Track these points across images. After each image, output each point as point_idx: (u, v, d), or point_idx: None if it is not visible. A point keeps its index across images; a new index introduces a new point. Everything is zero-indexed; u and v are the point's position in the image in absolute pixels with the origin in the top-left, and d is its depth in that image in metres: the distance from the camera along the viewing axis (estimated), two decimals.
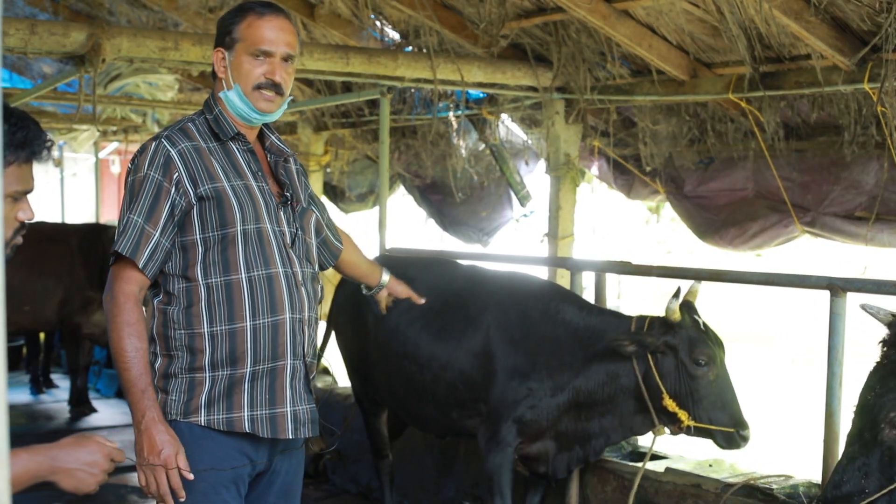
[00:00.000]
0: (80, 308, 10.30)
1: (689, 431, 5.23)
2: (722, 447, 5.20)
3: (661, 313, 5.27)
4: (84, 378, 10.91)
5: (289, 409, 3.55)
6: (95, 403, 11.03)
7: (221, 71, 3.59)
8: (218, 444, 3.48)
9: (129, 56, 6.14)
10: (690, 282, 5.45)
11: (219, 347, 3.46)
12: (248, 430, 3.48)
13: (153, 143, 3.50)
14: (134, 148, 14.14)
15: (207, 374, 3.46)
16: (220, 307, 3.46)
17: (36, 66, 11.78)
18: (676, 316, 5.19)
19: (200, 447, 3.45)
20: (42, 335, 12.14)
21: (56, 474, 2.71)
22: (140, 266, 3.41)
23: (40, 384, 12.12)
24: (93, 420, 10.56)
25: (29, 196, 2.81)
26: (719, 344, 5.24)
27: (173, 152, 3.46)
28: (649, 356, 5.20)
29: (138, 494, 7.60)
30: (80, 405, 10.80)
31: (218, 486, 3.47)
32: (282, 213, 3.60)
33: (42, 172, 15.01)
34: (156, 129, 11.94)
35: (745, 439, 5.14)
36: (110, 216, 14.76)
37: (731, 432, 5.12)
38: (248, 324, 3.46)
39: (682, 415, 5.17)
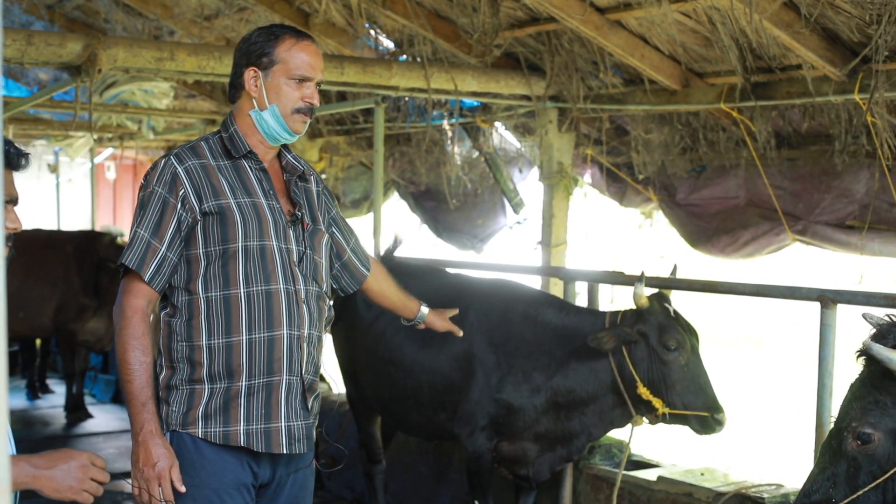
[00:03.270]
0: (75, 315, 10.31)
1: (665, 419, 5.30)
2: (697, 432, 5.27)
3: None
4: (80, 384, 10.93)
5: (283, 424, 3.60)
6: (91, 409, 11.05)
7: (254, 90, 3.67)
8: (219, 454, 3.55)
9: (124, 66, 6.17)
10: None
11: (216, 360, 3.53)
12: (243, 444, 3.54)
13: (162, 161, 3.61)
14: (129, 154, 14.17)
15: (206, 387, 3.54)
16: (218, 320, 3.54)
17: (32, 72, 11.79)
18: (643, 301, 5.29)
19: (203, 457, 3.53)
20: (38, 341, 12.15)
21: (37, 480, 2.74)
22: (146, 279, 3.51)
23: (36, 389, 12.14)
24: (89, 426, 10.56)
25: (15, 207, 2.86)
26: (690, 330, 5.32)
27: (180, 169, 3.56)
28: (623, 347, 5.28)
29: (134, 501, 7.61)
30: (76, 411, 10.81)
31: (222, 493, 3.54)
32: (290, 232, 3.67)
33: (37, 178, 14.98)
34: (151, 137, 11.97)
35: (719, 423, 5.20)
36: (105, 221, 14.78)
37: (706, 416, 5.18)
38: (245, 337, 3.53)
39: (657, 402, 5.24)
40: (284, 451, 3.62)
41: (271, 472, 3.67)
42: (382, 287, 4.26)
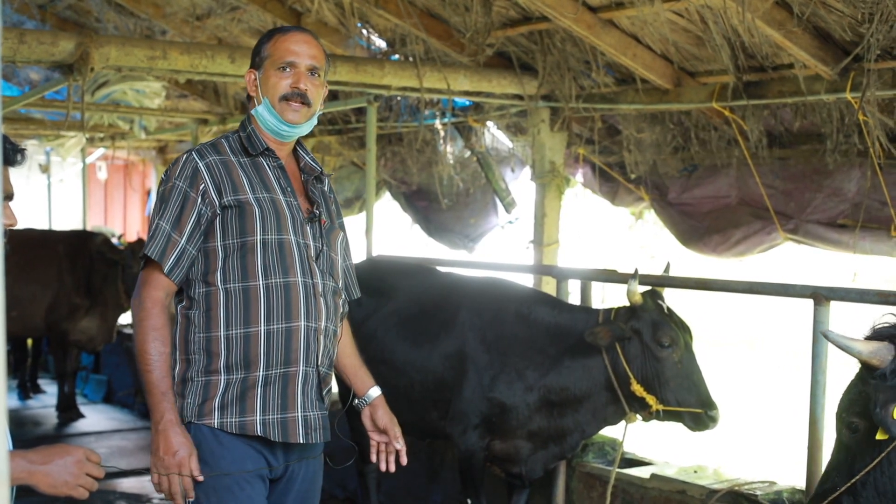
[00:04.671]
0: (67, 314, 10.30)
1: (658, 416, 5.32)
2: (691, 429, 5.28)
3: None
4: (71, 384, 10.91)
5: (300, 414, 3.65)
6: (83, 409, 11.04)
7: (252, 89, 3.77)
8: (234, 444, 3.59)
9: (117, 65, 6.17)
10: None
11: (234, 350, 3.58)
12: (259, 434, 3.59)
13: (184, 156, 3.68)
14: (121, 154, 14.15)
15: (222, 377, 3.59)
16: (236, 311, 3.59)
17: (23, 72, 11.77)
18: (637, 298, 5.30)
19: (222, 446, 3.58)
20: (29, 341, 12.14)
21: (33, 476, 2.75)
22: (165, 271, 3.57)
23: (27, 389, 12.12)
24: (80, 426, 10.56)
25: (11, 203, 2.86)
26: (684, 327, 5.33)
27: (200, 164, 3.63)
28: (617, 344, 5.29)
29: (127, 500, 7.61)
30: (68, 411, 10.81)
31: (242, 482, 3.58)
32: (308, 228, 3.71)
33: (28, 178, 14.93)
34: (143, 136, 11.96)
35: (713, 420, 5.21)
36: (97, 221, 14.76)
37: (700, 413, 5.20)
38: (263, 328, 3.58)
39: (651, 399, 5.25)
40: (301, 441, 3.66)
41: (284, 464, 3.71)
42: (344, 340, 4.02)
